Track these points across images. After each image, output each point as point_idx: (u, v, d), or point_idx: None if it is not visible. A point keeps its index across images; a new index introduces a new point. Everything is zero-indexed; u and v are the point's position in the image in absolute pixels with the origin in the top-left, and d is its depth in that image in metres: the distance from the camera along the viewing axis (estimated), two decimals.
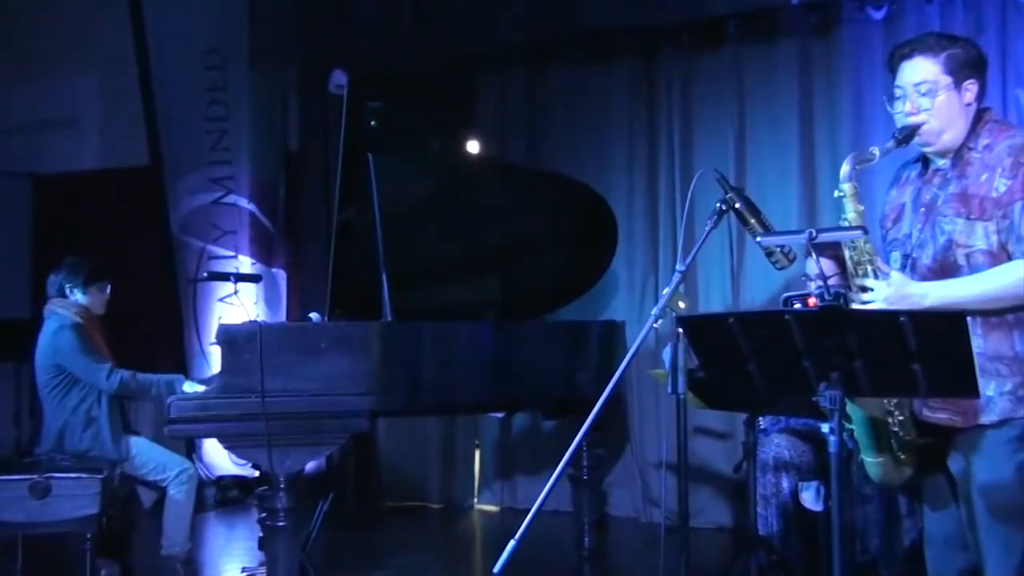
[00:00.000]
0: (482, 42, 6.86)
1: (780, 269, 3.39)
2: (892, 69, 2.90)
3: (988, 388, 2.71)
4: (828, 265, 3.95)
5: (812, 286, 4.69)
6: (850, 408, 2.77)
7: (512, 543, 2.76)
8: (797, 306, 4.77)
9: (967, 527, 2.81)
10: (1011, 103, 5.57)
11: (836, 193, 2.80)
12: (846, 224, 2.79)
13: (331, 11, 7.16)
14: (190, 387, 4.85)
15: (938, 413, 2.79)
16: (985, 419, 2.73)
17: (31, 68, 8.30)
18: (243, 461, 5.67)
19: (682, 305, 3.27)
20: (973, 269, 2.74)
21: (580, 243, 5.84)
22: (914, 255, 2.86)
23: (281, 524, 4.38)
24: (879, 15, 5.88)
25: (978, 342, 2.68)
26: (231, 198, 7.78)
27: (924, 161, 2.97)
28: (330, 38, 7.18)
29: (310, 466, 4.88)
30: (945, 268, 2.78)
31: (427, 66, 7.00)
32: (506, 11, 6.67)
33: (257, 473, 5.77)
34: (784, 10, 6.11)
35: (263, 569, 4.73)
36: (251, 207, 7.76)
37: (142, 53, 7.84)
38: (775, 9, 6.15)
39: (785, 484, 4.66)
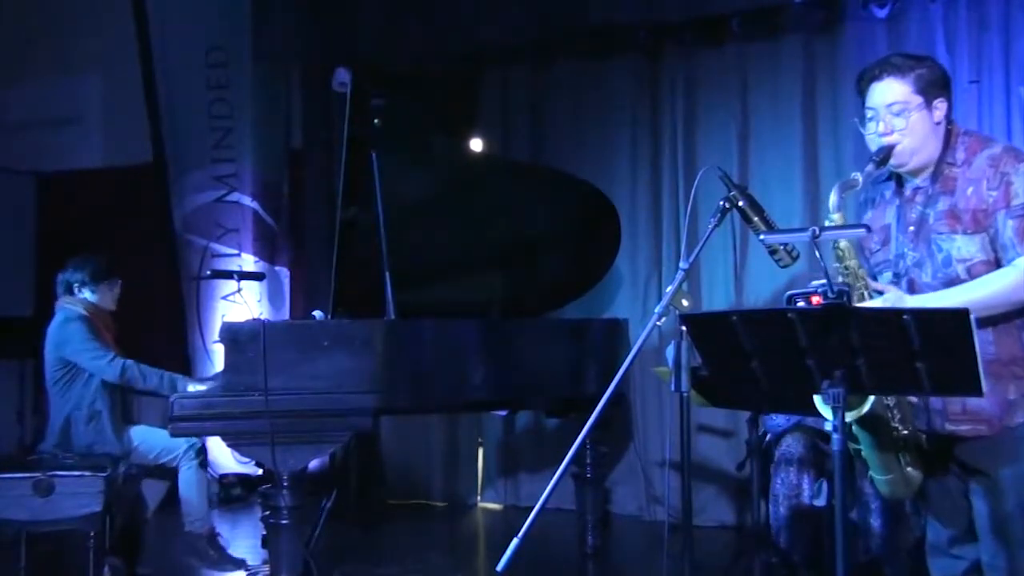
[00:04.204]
0: (486, 39, 6.86)
1: (783, 267, 3.39)
2: (861, 92, 2.92)
3: (1008, 392, 2.74)
4: None
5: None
6: (856, 430, 2.77)
7: (515, 541, 2.77)
8: (800, 304, 4.76)
9: (985, 526, 2.82)
10: (1015, 100, 5.55)
11: (826, 223, 2.79)
12: (839, 254, 2.80)
13: (334, 8, 7.17)
14: (193, 388, 4.88)
15: (960, 426, 2.79)
16: (1010, 422, 2.75)
17: (34, 66, 8.32)
18: (246, 459, 5.67)
19: (685, 303, 3.28)
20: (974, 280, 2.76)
21: (583, 241, 5.85)
22: (911, 275, 2.87)
23: (284, 522, 4.39)
24: (883, 13, 5.87)
25: (989, 349, 2.71)
26: (234, 196, 7.78)
27: (897, 180, 2.98)
28: (333, 35, 7.18)
29: (313, 464, 4.89)
30: (947, 284, 2.79)
31: (431, 64, 7.00)
32: (510, 8, 6.67)
33: (260, 471, 5.79)
34: (788, 8, 6.10)
35: (266, 567, 4.75)
36: (254, 205, 7.76)
37: (145, 51, 7.84)
38: (779, 7, 6.14)
39: (806, 483, 4.66)
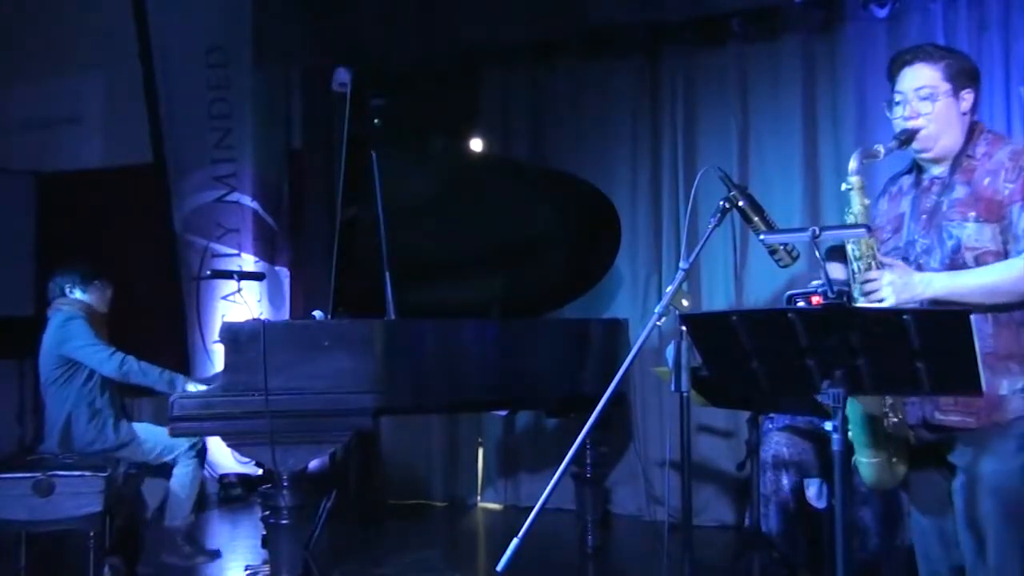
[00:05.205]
0: (486, 39, 6.86)
1: (783, 267, 3.39)
2: (892, 77, 2.95)
3: (1001, 387, 2.73)
4: (838, 268, 3.96)
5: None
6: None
7: (515, 541, 2.77)
8: (800, 304, 4.77)
9: (963, 523, 2.81)
10: (1015, 100, 5.56)
11: (844, 186, 2.83)
12: (851, 219, 2.80)
13: (334, 9, 7.17)
14: (193, 388, 4.88)
15: (950, 416, 2.79)
16: (999, 418, 2.74)
17: (35, 66, 8.32)
18: (247, 459, 5.68)
19: (685, 303, 3.27)
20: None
21: (583, 241, 5.85)
22: (920, 261, 2.87)
23: (285, 522, 4.40)
24: (883, 13, 5.87)
25: (988, 342, 2.71)
26: (234, 196, 7.78)
27: (917, 171, 3.00)
28: (333, 36, 7.18)
29: (313, 464, 4.88)
30: (955, 271, 2.79)
31: (431, 63, 7.00)
32: (510, 8, 6.67)
33: (261, 471, 5.79)
34: (787, 8, 6.11)
35: (267, 567, 4.75)
36: (254, 205, 7.76)
37: (145, 51, 7.84)
38: (779, 7, 6.15)
39: (785, 482, 4.66)
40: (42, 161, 8.22)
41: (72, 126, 8.38)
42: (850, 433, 2.85)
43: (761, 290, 6.14)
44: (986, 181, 2.80)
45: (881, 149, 2.83)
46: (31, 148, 8.27)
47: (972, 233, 2.78)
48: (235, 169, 7.79)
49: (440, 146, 5.71)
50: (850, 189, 2.81)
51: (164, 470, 5.31)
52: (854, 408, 2.79)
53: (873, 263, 2.78)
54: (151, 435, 5.24)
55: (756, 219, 3.29)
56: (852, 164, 2.80)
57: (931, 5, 5.78)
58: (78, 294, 5.27)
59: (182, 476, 5.25)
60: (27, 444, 7.63)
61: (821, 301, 2.53)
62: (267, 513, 4.48)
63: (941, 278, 2.74)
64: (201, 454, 5.30)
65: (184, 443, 5.20)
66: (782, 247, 3.30)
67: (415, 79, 6.97)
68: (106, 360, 5.03)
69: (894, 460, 2.87)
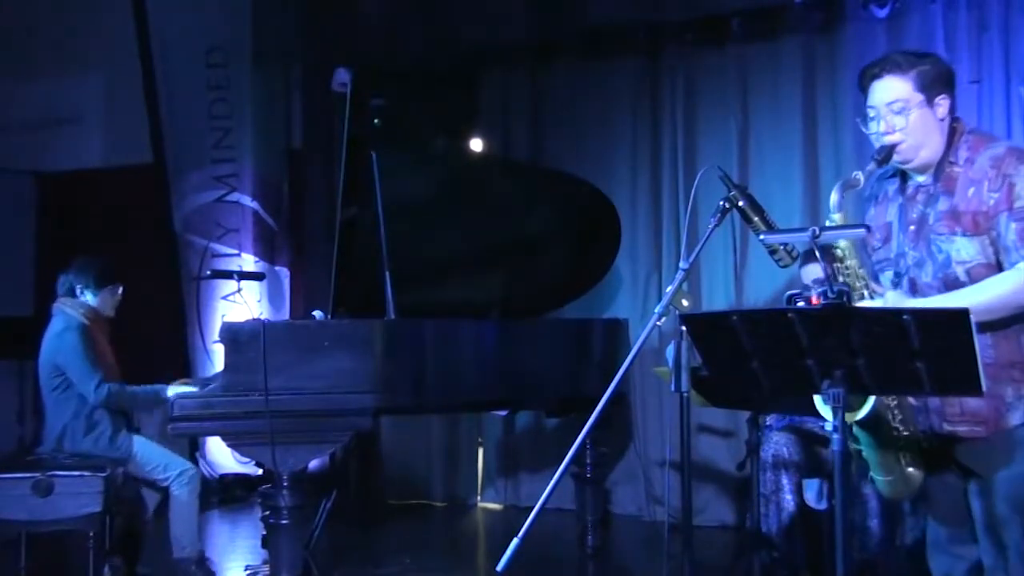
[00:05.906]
0: (486, 39, 6.87)
1: (783, 267, 3.40)
2: (863, 90, 2.88)
3: (1006, 395, 2.73)
4: (817, 270, 3.94)
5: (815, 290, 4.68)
6: (857, 431, 2.77)
7: (515, 541, 2.77)
8: (800, 304, 4.77)
9: (982, 525, 2.81)
10: (1015, 101, 5.55)
11: (827, 223, 2.78)
12: (838, 253, 2.79)
13: (334, 8, 7.18)
14: (173, 392, 4.78)
15: (958, 426, 2.78)
16: (1006, 424, 2.74)
17: (35, 66, 8.32)
18: (246, 459, 5.67)
19: (685, 303, 3.27)
20: (975, 284, 2.73)
21: (583, 241, 5.85)
22: (911, 275, 2.85)
23: (285, 522, 4.40)
24: (883, 13, 5.87)
25: (988, 352, 2.68)
26: (234, 196, 7.79)
27: (901, 177, 2.96)
28: (333, 35, 7.19)
29: (313, 464, 4.89)
30: (947, 285, 2.77)
31: (431, 64, 7.01)
32: (510, 9, 6.68)
33: (261, 471, 5.79)
34: (788, 8, 6.11)
35: (267, 567, 4.75)
36: (254, 205, 7.76)
37: (145, 51, 7.85)
38: (779, 7, 6.15)
39: (785, 482, 4.66)
40: (42, 161, 8.23)
41: (72, 126, 8.39)
42: (863, 453, 2.85)
43: (761, 290, 6.14)
44: (970, 192, 2.75)
45: (860, 176, 2.78)
46: (31, 148, 8.27)
47: (960, 248, 2.74)
48: (235, 169, 7.79)
49: (440, 146, 5.70)
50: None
51: (155, 485, 5.15)
52: (864, 434, 2.79)
53: (865, 292, 2.78)
54: (147, 453, 5.02)
55: (756, 219, 3.29)
56: (833, 198, 2.76)
57: (931, 5, 5.78)
58: (88, 297, 5.05)
59: (178, 505, 4.97)
60: (27, 444, 7.62)
61: (820, 301, 2.51)
62: (267, 513, 4.48)
63: (935, 303, 2.71)
64: (193, 480, 5.01)
65: (175, 468, 4.96)
66: (782, 247, 3.30)
67: (415, 79, 6.97)
68: (91, 391, 4.82)
69: (909, 471, 2.86)
